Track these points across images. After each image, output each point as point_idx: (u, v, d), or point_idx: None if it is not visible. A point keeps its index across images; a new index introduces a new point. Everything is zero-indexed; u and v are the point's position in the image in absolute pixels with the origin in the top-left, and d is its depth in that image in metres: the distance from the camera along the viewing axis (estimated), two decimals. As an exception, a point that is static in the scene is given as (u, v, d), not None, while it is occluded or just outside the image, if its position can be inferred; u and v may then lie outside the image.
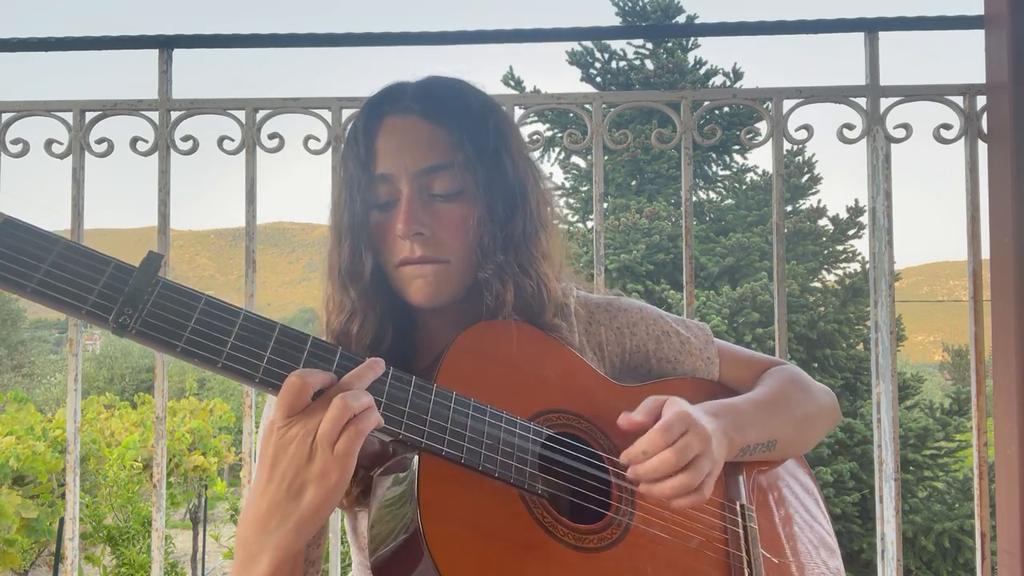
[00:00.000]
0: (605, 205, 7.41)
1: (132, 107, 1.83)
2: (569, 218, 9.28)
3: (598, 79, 9.49)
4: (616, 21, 9.36)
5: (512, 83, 9.03)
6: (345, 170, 0.99)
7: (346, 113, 1.80)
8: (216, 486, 9.76)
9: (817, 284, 8.26)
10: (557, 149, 8.71)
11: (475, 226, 0.97)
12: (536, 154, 1.14)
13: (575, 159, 9.18)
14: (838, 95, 1.81)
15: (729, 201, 8.88)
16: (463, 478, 0.82)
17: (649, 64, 9.24)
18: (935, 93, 1.80)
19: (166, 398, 1.78)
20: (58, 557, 6.81)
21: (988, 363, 1.74)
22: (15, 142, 1.81)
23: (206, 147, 1.83)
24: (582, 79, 9.49)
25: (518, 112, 1.80)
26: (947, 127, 1.78)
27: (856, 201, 8.47)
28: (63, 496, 5.15)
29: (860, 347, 7.87)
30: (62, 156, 1.81)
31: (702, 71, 9.25)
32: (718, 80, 9.28)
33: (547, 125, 8.65)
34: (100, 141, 1.81)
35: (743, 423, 0.99)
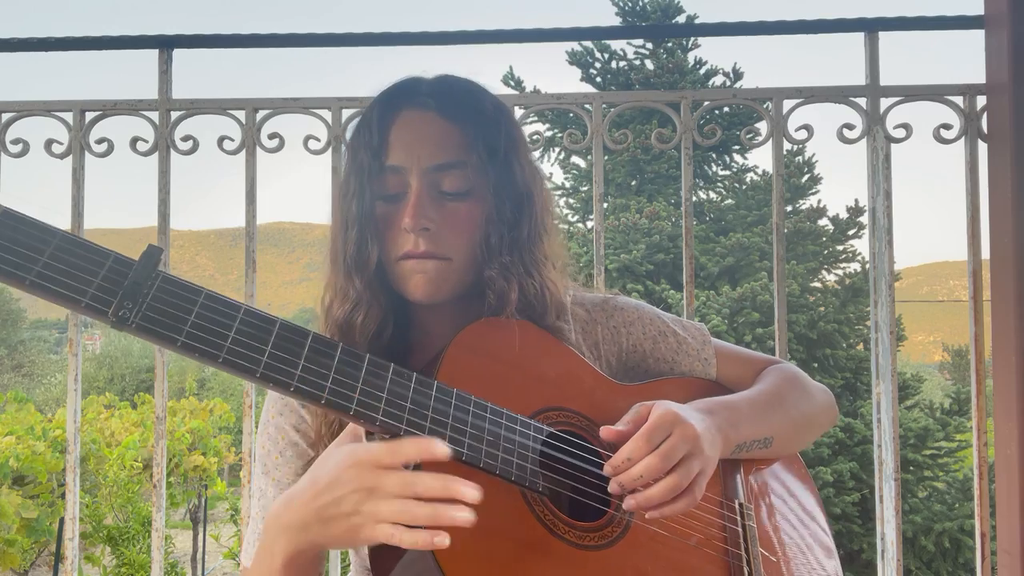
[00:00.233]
0: (605, 205, 7.40)
1: (132, 107, 1.83)
2: (569, 218, 9.27)
3: (598, 79, 9.48)
4: (616, 21, 9.35)
5: (512, 83, 9.03)
6: (354, 158, 0.98)
7: (346, 113, 1.80)
8: (216, 486, 9.77)
9: (817, 284, 8.26)
10: (557, 149, 8.71)
11: (481, 226, 0.97)
12: (536, 154, 1.14)
13: (575, 159, 9.17)
14: (838, 95, 1.81)
15: (729, 201, 8.87)
16: (464, 475, 0.81)
17: (649, 64, 9.24)
18: (935, 93, 1.80)
19: (166, 398, 1.78)
20: (58, 557, 6.81)
21: (988, 363, 1.74)
22: (15, 142, 1.81)
23: (206, 147, 1.81)
24: (582, 79, 9.49)
25: (518, 112, 1.80)
26: (947, 127, 1.78)
27: (856, 201, 8.47)
28: (63, 496, 5.15)
29: (860, 347, 7.86)
30: (62, 156, 1.81)
31: (702, 71, 9.25)
32: (718, 80, 9.28)
33: (547, 125, 8.64)
34: (100, 141, 1.81)
35: (738, 420, 0.99)
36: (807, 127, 1.82)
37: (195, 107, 1.82)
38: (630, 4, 9.45)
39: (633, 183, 8.94)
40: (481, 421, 0.85)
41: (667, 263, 7.73)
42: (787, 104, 1.81)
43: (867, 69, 1.81)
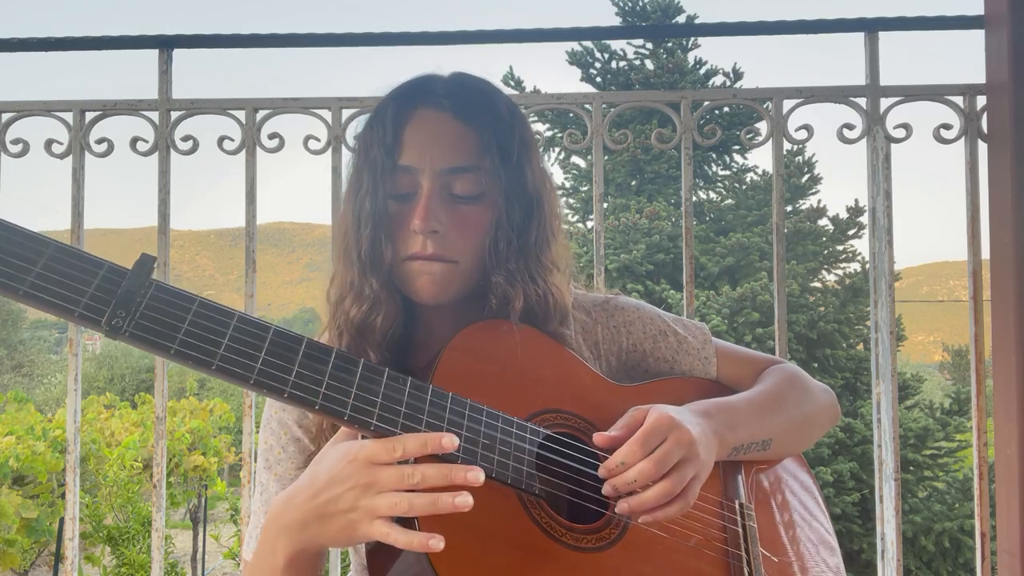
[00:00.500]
0: (605, 205, 7.41)
1: (132, 107, 1.83)
2: (569, 218, 9.27)
3: (598, 79, 9.49)
4: (616, 21, 9.35)
5: (512, 83, 9.03)
6: (366, 154, 0.97)
7: (346, 113, 1.80)
8: (216, 486, 9.76)
9: (817, 284, 8.26)
10: (557, 149, 8.70)
11: (490, 230, 0.97)
12: (536, 154, 1.13)
13: (575, 159, 9.18)
14: (838, 95, 1.81)
15: (729, 201, 8.87)
16: None
17: (649, 64, 9.24)
18: (935, 93, 1.80)
19: (166, 398, 1.78)
20: (58, 557, 6.81)
21: (988, 363, 1.74)
22: (15, 142, 1.80)
23: (206, 147, 1.81)
24: (582, 79, 9.49)
25: (518, 112, 1.80)
26: (947, 127, 1.78)
27: (856, 201, 8.47)
28: (63, 496, 5.15)
29: (860, 347, 7.87)
30: (62, 156, 1.81)
31: (702, 71, 9.25)
32: (718, 80, 9.28)
33: (547, 125, 8.64)
34: (100, 141, 1.81)
35: (736, 421, 0.99)
36: (807, 127, 1.82)
37: (195, 107, 1.82)
38: (630, 4, 9.45)
39: (633, 183, 8.94)
40: (477, 424, 0.84)
41: (667, 263, 7.73)
42: (787, 104, 1.81)
43: (867, 69, 1.81)
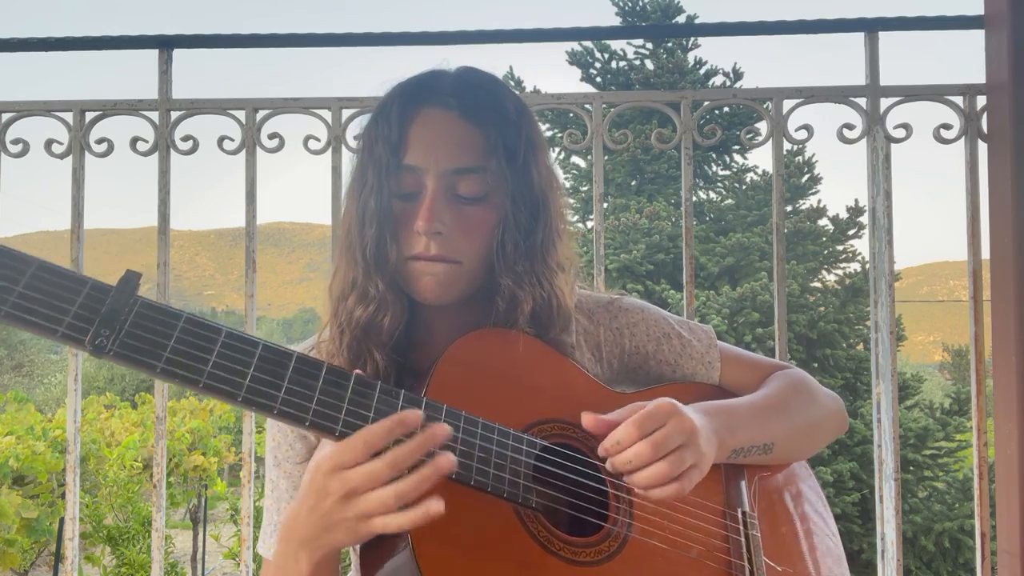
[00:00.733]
0: (605, 205, 7.41)
1: (132, 107, 1.83)
2: (569, 218, 9.25)
3: (598, 79, 9.48)
4: (616, 21, 9.35)
5: (512, 83, 9.03)
6: (371, 151, 0.96)
7: (346, 113, 1.80)
8: (216, 486, 9.76)
9: (817, 284, 8.26)
10: (557, 149, 8.70)
11: (496, 232, 0.96)
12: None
13: (575, 159, 9.17)
14: (838, 95, 1.81)
15: (729, 201, 8.87)
16: (455, 495, 0.80)
17: (649, 64, 9.23)
18: (935, 93, 1.80)
19: (166, 398, 1.78)
20: (58, 557, 6.81)
21: (988, 363, 1.73)
22: (15, 142, 1.81)
23: (206, 147, 1.84)
24: (582, 79, 9.48)
25: (518, 112, 1.80)
26: (947, 127, 1.78)
27: (856, 201, 8.47)
28: (63, 496, 5.15)
29: (860, 347, 7.86)
30: (62, 156, 1.81)
31: (702, 71, 9.25)
32: (718, 80, 9.27)
33: (547, 125, 8.64)
34: (100, 141, 1.81)
35: (735, 425, 0.97)
36: (807, 127, 1.82)
37: (195, 107, 1.82)
38: (630, 4, 9.45)
39: (633, 183, 8.94)
40: (471, 437, 0.83)
41: (667, 263, 7.73)
42: (787, 104, 1.81)
43: (867, 69, 1.81)
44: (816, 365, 7.62)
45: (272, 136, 1.82)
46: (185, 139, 1.82)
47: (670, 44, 9.28)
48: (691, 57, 9.32)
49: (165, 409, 1.78)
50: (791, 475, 1.11)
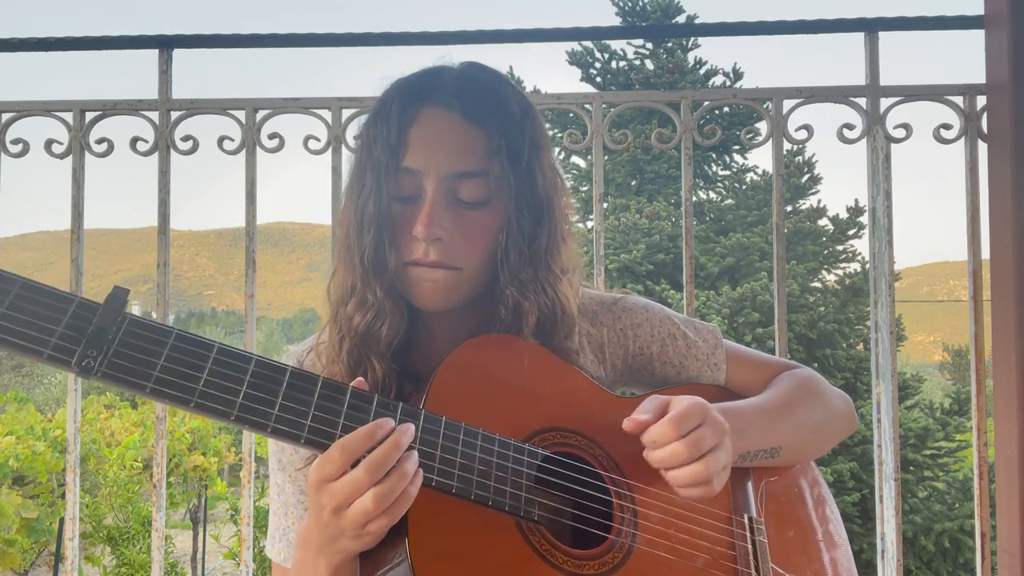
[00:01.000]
0: (605, 205, 7.40)
1: (132, 107, 1.83)
2: (569, 218, 9.26)
3: (598, 79, 9.49)
4: (616, 21, 9.35)
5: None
6: (369, 152, 0.92)
7: (346, 113, 1.80)
8: (216, 486, 9.75)
9: (817, 284, 8.26)
10: (557, 149, 8.70)
11: (499, 237, 0.93)
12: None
13: (575, 159, 9.17)
14: (838, 95, 1.81)
15: (729, 201, 8.87)
16: (454, 509, 0.79)
17: (649, 64, 9.24)
18: (935, 93, 1.80)
19: (166, 398, 1.78)
20: (58, 557, 6.81)
21: (988, 363, 1.73)
22: (15, 142, 1.81)
23: (206, 147, 1.81)
24: (582, 79, 9.49)
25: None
26: (947, 127, 1.78)
27: (856, 201, 8.47)
28: (63, 496, 5.15)
29: (860, 347, 7.86)
30: (62, 156, 1.81)
31: (702, 71, 9.25)
32: (718, 80, 9.28)
33: (547, 125, 8.60)
34: (100, 141, 1.81)
35: (743, 428, 0.95)
36: (807, 127, 1.82)
37: (195, 107, 1.82)
38: (630, 4, 9.45)
39: (633, 183, 8.94)
40: (471, 450, 0.81)
41: (667, 263, 7.73)
42: (787, 104, 1.81)
43: (867, 69, 1.81)
44: (816, 365, 7.62)
45: (272, 136, 1.82)
46: (185, 139, 1.81)
47: (670, 44, 9.28)
48: (691, 57, 9.33)
49: (165, 409, 1.78)
50: (798, 476, 1.09)
